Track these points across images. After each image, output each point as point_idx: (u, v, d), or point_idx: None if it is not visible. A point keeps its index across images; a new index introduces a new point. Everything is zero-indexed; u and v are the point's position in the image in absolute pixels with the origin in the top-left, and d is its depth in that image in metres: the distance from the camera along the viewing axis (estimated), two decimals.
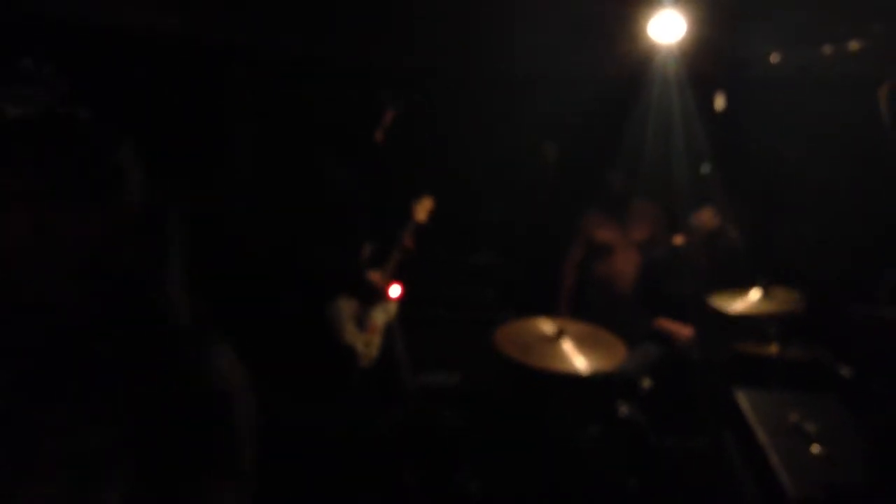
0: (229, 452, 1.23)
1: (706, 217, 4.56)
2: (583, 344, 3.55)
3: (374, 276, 3.91)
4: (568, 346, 3.53)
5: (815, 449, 2.74)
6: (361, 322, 3.87)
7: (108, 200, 1.22)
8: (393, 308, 4.03)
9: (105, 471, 1.15)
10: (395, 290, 3.97)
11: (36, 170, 1.18)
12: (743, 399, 3.14)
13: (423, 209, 4.07)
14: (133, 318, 1.25)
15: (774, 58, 4.85)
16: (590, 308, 4.61)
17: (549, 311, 3.97)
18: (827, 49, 4.60)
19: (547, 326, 3.66)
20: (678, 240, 4.54)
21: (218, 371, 1.26)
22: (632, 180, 4.69)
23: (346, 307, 3.84)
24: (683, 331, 4.49)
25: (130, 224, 1.24)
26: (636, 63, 4.73)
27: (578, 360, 3.45)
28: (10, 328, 1.18)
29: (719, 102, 5.08)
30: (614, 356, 3.55)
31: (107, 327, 1.23)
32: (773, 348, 3.88)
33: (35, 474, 1.14)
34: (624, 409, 3.82)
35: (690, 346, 4.38)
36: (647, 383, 3.99)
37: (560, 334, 3.57)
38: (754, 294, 4.03)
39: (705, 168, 4.60)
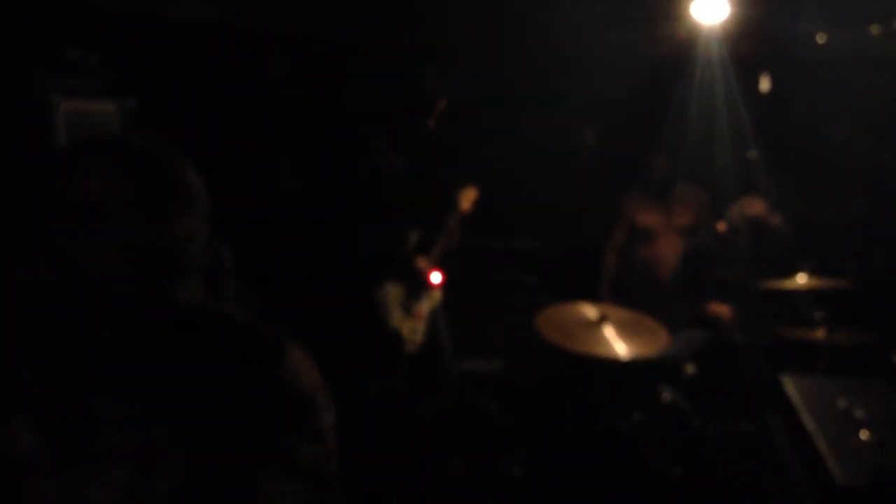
0: (300, 448, 1.25)
1: (750, 203, 4.49)
2: (625, 329, 3.54)
3: (421, 262, 3.94)
4: (610, 332, 3.51)
5: (864, 435, 2.70)
6: (408, 308, 3.91)
7: (185, 213, 1.25)
8: (437, 295, 4.06)
9: (161, 463, 1.18)
10: (435, 277, 3.99)
11: (126, 183, 1.21)
12: (790, 384, 3.10)
13: (467, 199, 4.09)
14: (197, 318, 1.29)
15: (821, 38, 4.77)
16: (631, 293, 4.57)
17: (590, 297, 3.95)
18: (874, 29, 4.51)
19: (589, 311, 3.64)
20: (721, 226, 4.48)
21: (293, 368, 1.29)
22: (675, 164, 4.63)
23: (393, 292, 3.87)
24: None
25: (199, 237, 1.27)
26: (679, 44, 4.67)
27: (621, 346, 3.44)
28: (79, 324, 1.21)
29: (764, 84, 5.00)
30: (657, 342, 3.53)
31: (170, 326, 1.26)
32: (821, 333, 3.82)
33: (95, 465, 1.17)
34: (667, 395, 3.79)
35: (735, 330, 4.33)
36: (690, 369, 3.95)
37: (602, 319, 3.56)
38: (800, 278, 3.97)
39: (752, 153, 4.51)
